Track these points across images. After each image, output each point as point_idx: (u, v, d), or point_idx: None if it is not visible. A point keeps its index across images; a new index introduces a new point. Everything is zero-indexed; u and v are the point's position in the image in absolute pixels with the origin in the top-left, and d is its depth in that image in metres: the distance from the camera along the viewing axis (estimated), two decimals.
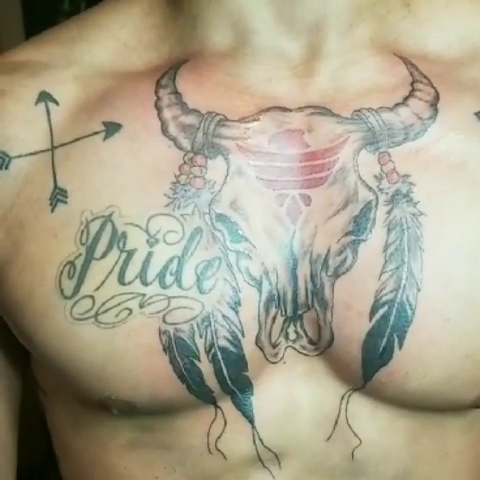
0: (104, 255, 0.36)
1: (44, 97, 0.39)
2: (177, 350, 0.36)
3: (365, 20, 0.38)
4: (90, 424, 0.42)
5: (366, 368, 0.37)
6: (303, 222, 0.37)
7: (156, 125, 0.38)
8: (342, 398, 0.39)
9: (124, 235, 0.36)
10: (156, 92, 0.38)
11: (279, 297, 0.37)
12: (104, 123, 0.38)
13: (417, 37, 0.40)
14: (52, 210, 0.38)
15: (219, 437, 0.39)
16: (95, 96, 0.40)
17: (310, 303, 0.37)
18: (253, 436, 0.39)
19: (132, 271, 0.36)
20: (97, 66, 0.41)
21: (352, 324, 0.37)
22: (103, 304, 0.36)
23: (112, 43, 0.41)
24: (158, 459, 0.41)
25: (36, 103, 0.39)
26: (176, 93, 0.38)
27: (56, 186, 0.38)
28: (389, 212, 0.37)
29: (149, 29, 0.41)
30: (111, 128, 0.38)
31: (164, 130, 0.38)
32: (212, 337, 0.36)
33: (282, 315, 0.37)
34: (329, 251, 0.37)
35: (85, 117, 0.39)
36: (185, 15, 0.40)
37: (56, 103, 0.39)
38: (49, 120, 0.39)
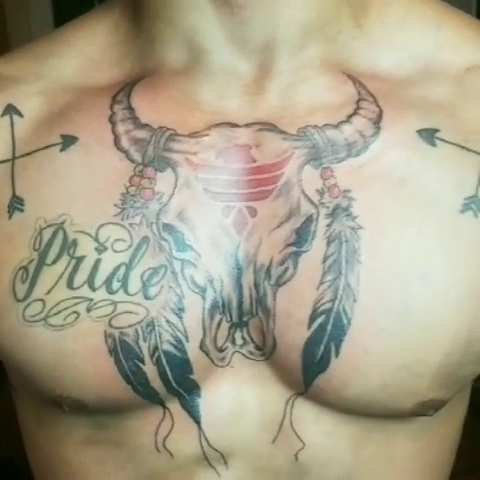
0: (55, 261, 0.38)
1: (10, 109, 0.41)
2: (122, 353, 0.37)
3: (315, 41, 0.39)
4: (50, 420, 0.44)
5: (306, 374, 0.38)
6: (248, 233, 0.38)
7: (109, 138, 0.39)
8: (287, 402, 0.40)
9: (74, 242, 0.38)
10: (111, 107, 0.39)
11: (224, 304, 0.38)
12: (62, 136, 0.40)
13: (368, 56, 0.40)
14: (9, 217, 0.39)
15: (167, 436, 0.41)
16: (57, 110, 0.41)
17: (254, 310, 0.38)
18: (199, 436, 0.41)
19: (81, 277, 0.37)
20: (62, 81, 0.42)
21: (292, 332, 0.38)
22: (53, 307, 0.37)
23: (78, 59, 0.42)
24: (110, 456, 0.42)
25: (2, 115, 0.41)
26: (130, 108, 0.39)
27: (14, 195, 0.39)
28: (329, 225, 0.37)
29: (113, 46, 0.42)
30: (67, 140, 0.39)
31: (117, 143, 0.39)
32: (156, 341, 0.37)
33: (227, 321, 0.38)
34: (272, 261, 0.38)
35: (46, 130, 0.40)
36: (145, 33, 0.41)
37: (20, 115, 0.41)
38: (12, 132, 0.41)
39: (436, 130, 0.39)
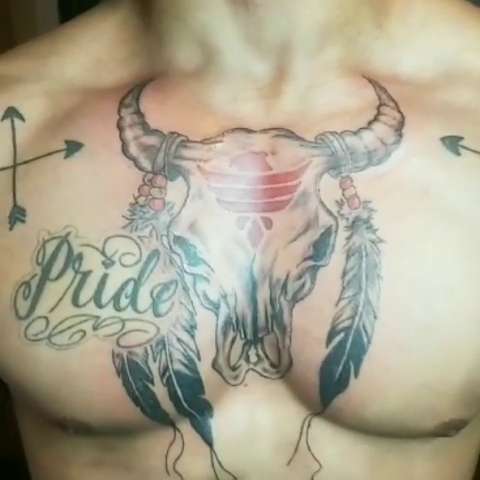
0: (59, 276, 0.36)
1: (11, 113, 0.39)
2: (130, 373, 0.36)
3: (334, 42, 0.38)
4: (54, 440, 0.43)
5: (323, 394, 0.37)
6: (264, 246, 0.37)
7: (117, 145, 0.37)
8: (303, 422, 0.39)
9: (80, 256, 0.36)
10: (119, 111, 0.38)
11: (238, 320, 0.37)
12: (66, 141, 0.38)
13: (389, 58, 0.39)
14: (10, 228, 0.37)
15: (177, 459, 0.39)
16: (61, 113, 0.39)
17: (270, 327, 0.37)
18: (211, 458, 0.39)
19: (87, 293, 0.36)
20: (67, 82, 0.40)
21: (309, 350, 0.37)
22: (57, 325, 0.36)
23: (83, 58, 0.41)
24: (119, 478, 0.41)
25: (2, 119, 0.39)
26: (138, 113, 0.38)
27: (15, 205, 0.38)
28: (349, 238, 0.36)
29: (121, 44, 0.40)
30: (72, 147, 0.38)
31: (125, 150, 0.37)
32: (166, 360, 0.36)
33: (241, 338, 0.37)
34: (288, 276, 0.36)
35: (49, 134, 0.39)
36: (154, 31, 0.39)
37: (22, 119, 0.39)
38: (14, 137, 0.39)
39: (460, 138, 0.38)
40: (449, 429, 0.39)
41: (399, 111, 0.38)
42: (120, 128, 0.38)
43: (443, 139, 0.38)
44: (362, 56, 0.39)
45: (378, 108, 0.38)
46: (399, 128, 0.37)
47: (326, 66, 0.38)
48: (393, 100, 0.38)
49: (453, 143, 0.37)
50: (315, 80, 0.38)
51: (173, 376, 0.36)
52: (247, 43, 0.37)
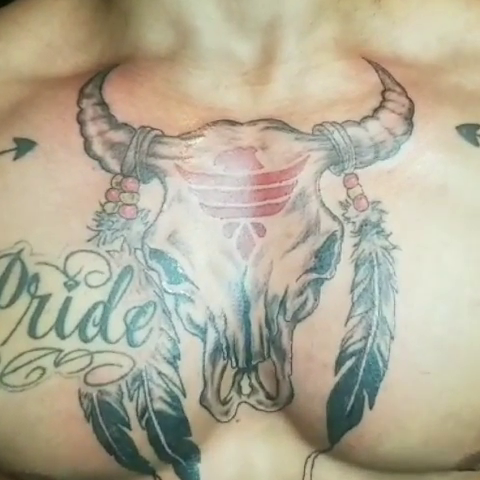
0: (11, 302, 0.33)
1: None
2: (102, 417, 0.33)
3: (328, 18, 0.35)
4: None
5: (332, 429, 0.34)
6: (256, 257, 0.34)
7: (78, 142, 0.34)
8: (306, 461, 0.36)
9: (36, 277, 0.33)
10: (79, 102, 0.35)
11: (228, 346, 0.34)
12: (15, 140, 0.35)
13: (389, 37, 0.37)
14: None
15: None
16: (8, 106, 0.36)
17: (266, 352, 0.34)
18: None
19: (46, 321, 0.33)
20: (14, 70, 0.37)
21: (315, 378, 0.34)
22: (10, 362, 0.33)
23: (33, 43, 0.38)
24: None
25: None
26: (103, 104, 0.35)
27: None
28: (357, 245, 0.34)
29: (78, 26, 0.38)
30: (23, 146, 0.34)
31: (87, 148, 0.34)
32: (145, 399, 0.33)
33: (233, 367, 0.34)
34: (287, 291, 0.34)
35: None
36: (116, 9, 0.36)
37: None
38: None
39: (478, 126, 0.35)
40: (474, 462, 0.36)
41: (407, 97, 0.35)
42: (81, 122, 0.35)
43: (459, 128, 0.35)
44: (360, 35, 0.37)
45: (383, 94, 0.35)
46: (409, 116, 0.35)
47: (320, 46, 0.36)
48: (399, 84, 0.36)
49: (470, 132, 0.35)
50: (308, 63, 0.35)
51: (153, 417, 0.33)
52: (228, 20, 0.34)
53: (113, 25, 0.36)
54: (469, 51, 0.37)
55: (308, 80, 0.35)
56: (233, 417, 0.35)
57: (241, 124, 0.34)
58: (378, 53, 0.37)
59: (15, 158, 0.34)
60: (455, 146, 0.35)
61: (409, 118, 0.35)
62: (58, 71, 0.37)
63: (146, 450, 0.33)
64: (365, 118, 0.35)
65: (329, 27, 0.35)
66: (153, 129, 0.34)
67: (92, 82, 0.35)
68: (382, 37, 0.37)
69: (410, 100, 0.35)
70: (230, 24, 0.34)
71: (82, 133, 0.34)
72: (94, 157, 0.34)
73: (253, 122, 0.34)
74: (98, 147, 0.34)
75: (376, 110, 0.35)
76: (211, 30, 0.34)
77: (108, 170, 0.34)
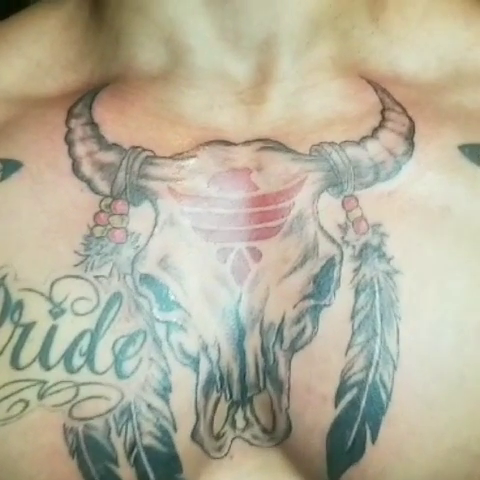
0: None
1: None
2: (88, 453, 0.32)
3: (325, 36, 0.34)
4: None
5: (332, 465, 0.33)
6: (252, 282, 0.33)
7: (66, 163, 0.34)
8: None
9: (20, 304, 0.32)
10: (67, 122, 0.34)
11: (222, 377, 0.33)
12: (1, 160, 0.34)
13: (388, 56, 0.37)
14: None
15: None
16: None
17: (262, 384, 0.33)
18: None
19: (30, 351, 0.31)
20: (1, 90, 0.37)
21: (314, 411, 0.33)
22: None
23: (22, 62, 0.37)
24: None
25: None
26: (92, 124, 0.34)
27: None
28: (357, 270, 0.33)
29: (68, 45, 0.38)
30: (9, 166, 0.34)
31: (76, 169, 0.33)
32: (134, 434, 0.32)
33: (227, 400, 0.33)
34: (284, 319, 0.33)
35: None
36: (107, 28, 0.36)
37: None
38: None
39: None
40: None
41: (407, 116, 0.35)
42: (69, 143, 0.34)
43: (462, 148, 0.34)
44: (358, 54, 0.36)
45: (382, 113, 0.35)
46: (409, 136, 0.34)
47: (317, 65, 0.35)
48: (399, 104, 0.35)
49: (474, 152, 0.34)
50: (305, 82, 0.35)
51: (143, 453, 0.32)
52: (222, 39, 0.34)
53: (104, 44, 0.36)
54: (470, 70, 0.37)
55: (305, 99, 0.35)
56: (227, 453, 0.34)
57: (235, 144, 0.34)
58: (377, 72, 0.36)
59: (0, 179, 0.33)
60: (458, 166, 0.34)
61: (410, 138, 0.34)
62: (47, 91, 0.36)
63: None
64: (364, 138, 0.34)
65: (326, 45, 0.35)
66: (144, 150, 0.33)
67: (81, 101, 0.35)
68: (380, 56, 0.37)
69: (410, 119, 0.35)
70: (224, 42, 0.33)
71: (70, 154, 0.33)
72: (83, 178, 0.33)
73: (248, 142, 0.34)
74: (87, 168, 0.33)
75: (376, 130, 0.34)
76: (205, 48, 0.34)
77: (97, 192, 0.33)
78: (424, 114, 0.35)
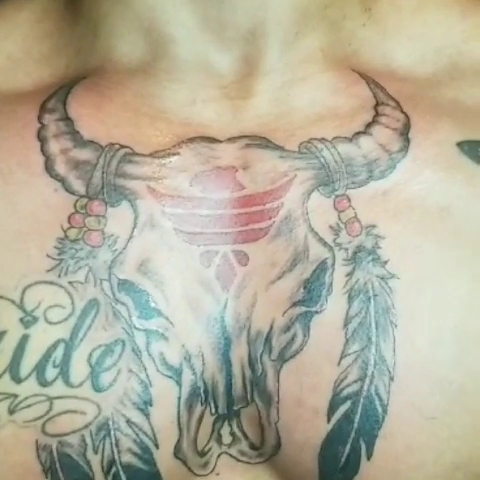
0: None
1: None
2: (62, 472, 0.31)
3: (315, 27, 0.34)
4: None
5: None
6: (238, 288, 0.32)
7: (38, 161, 0.32)
8: None
9: None
10: (40, 118, 0.33)
11: (207, 390, 0.32)
12: None
13: (381, 49, 0.36)
14: None
15: None
16: None
17: (249, 396, 0.32)
18: None
19: None
20: None
21: (304, 425, 0.32)
22: None
23: None
24: None
25: None
26: (67, 119, 0.33)
27: None
28: (350, 274, 0.32)
29: (41, 39, 0.37)
30: None
31: (49, 168, 0.32)
32: (112, 452, 0.31)
33: (212, 413, 0.32)
34: (272, 327, 0.32)
35: None
36: (84, 20, 0.34)
37: None
38: None
39: None
40: None
41: (402, 111, 0.34)
42: (42, 139, 0.33)
43: (460, 144, 0.34)
44: (349, 46, 0.36)
45: (375, 108, 0.34)
46: (404, 132, 0.33)
47: (306, 57, 0.34)
48: (393, 98, 0.34)
49: (473, 149, 0.33)
50: (293, 75, 0.34)
51: (121, 472, 0.31)
52: (206, 29, 0.33)
53: (81, 37, 0.35)
54: (466, 64, 0.36)
55: (293, 93, 0.34)
56: (212, 470, 0.33)
57: (220, 141, 0.33)
58: (369, 65, 0.36)
59: None
60: (457, 164, 0.33)
61: (405, 134, 0.33)
62: (19, 86, 0.35)
63: None
64: (357, 134, 0.33)
65: (315, 36, 0.34)
66: (122, 147, 0.32)
67: (55, 96, 0.34)
68: (373, 48, 0.36)
69: (405, 115, 0.34)
70: (208, 33, 0.32)
71: (43, 151, 0.32)
72: (56, 177, 0.32)
73: (233, 139, 0.33)
74: (61, 166, 0.32)
75: (369, 125, 0.33)
76: (187, 39, 0.33)
77: (72, 192, 0.32)
78: (420, 109, 0.34)
